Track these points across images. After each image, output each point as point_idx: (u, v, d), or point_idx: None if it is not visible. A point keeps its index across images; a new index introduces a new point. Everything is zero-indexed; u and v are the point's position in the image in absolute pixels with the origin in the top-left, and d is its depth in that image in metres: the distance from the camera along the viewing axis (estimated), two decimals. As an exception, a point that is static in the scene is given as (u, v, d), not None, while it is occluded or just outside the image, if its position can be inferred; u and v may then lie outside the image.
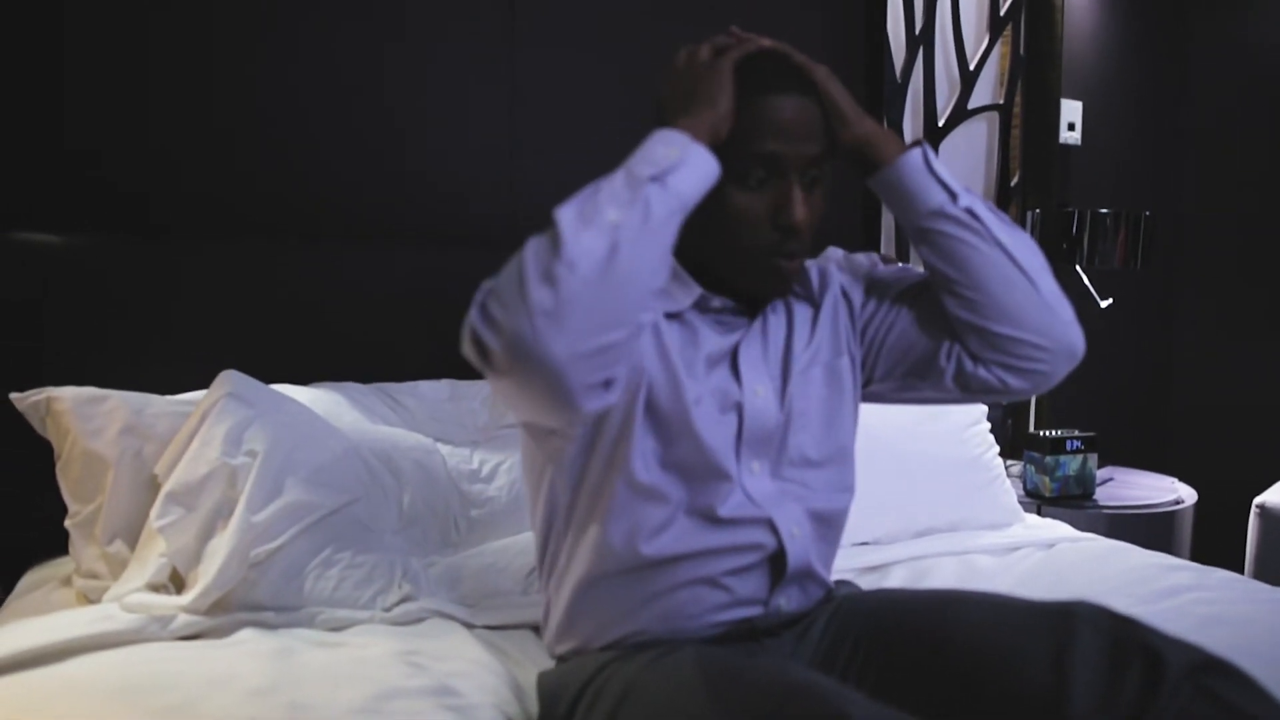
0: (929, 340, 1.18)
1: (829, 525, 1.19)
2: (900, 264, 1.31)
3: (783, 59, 1.11)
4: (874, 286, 1.24)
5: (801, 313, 1.21)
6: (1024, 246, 1.14)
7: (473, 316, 0.93)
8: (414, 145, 1.99)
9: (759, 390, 1.14)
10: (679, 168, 0.97)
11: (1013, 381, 1.15)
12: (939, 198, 1.13)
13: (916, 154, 1.13)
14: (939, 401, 1.22)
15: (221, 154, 1.83)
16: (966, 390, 1.17)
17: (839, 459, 1.20)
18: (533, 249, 0.92)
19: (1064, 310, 1.14)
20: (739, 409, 1.13)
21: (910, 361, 1.20)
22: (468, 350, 0.95)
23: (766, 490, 1.13)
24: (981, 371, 1.15)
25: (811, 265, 1.25)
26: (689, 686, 0.95)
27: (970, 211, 1.12)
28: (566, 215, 0.93)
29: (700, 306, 1.14)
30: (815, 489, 1.17)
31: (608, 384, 0.95)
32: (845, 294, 1.24)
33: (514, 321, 0.89)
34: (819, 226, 1.13)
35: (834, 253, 1.30)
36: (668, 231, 0.96)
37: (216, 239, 1.82)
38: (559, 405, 0.94)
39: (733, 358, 1.14)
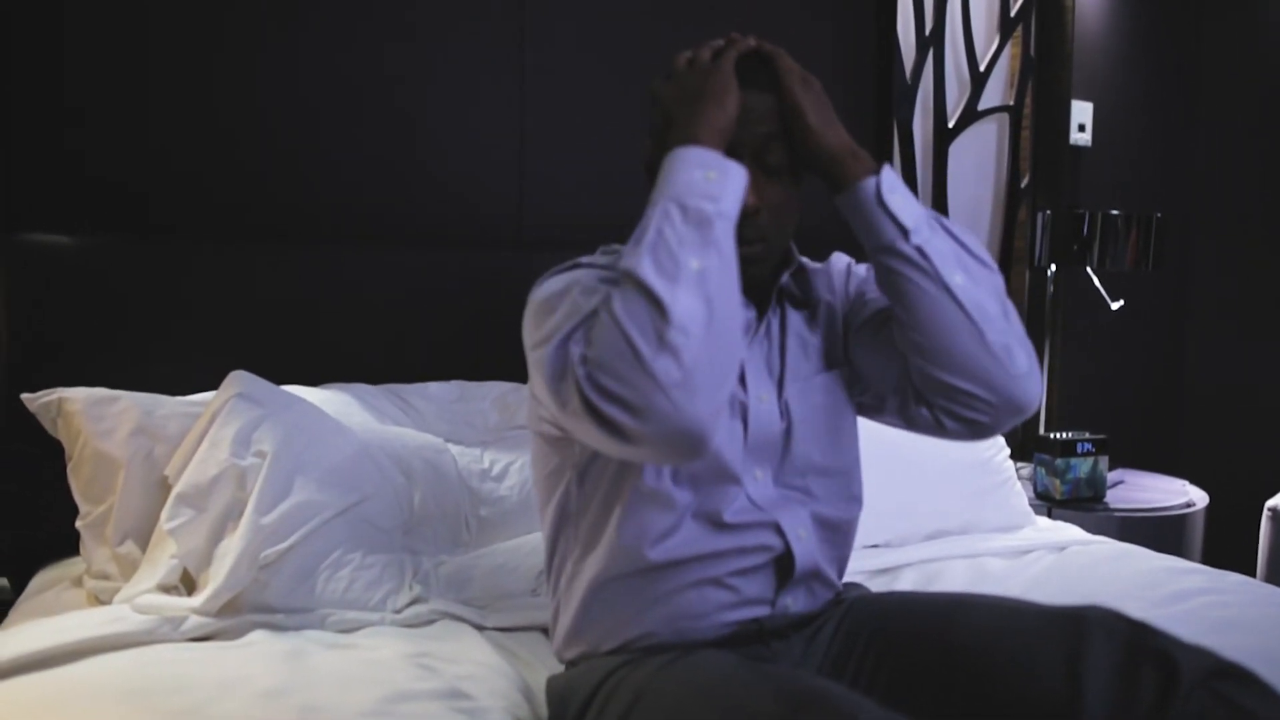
0: (886, 369, 1.15)
1: (836, 531, 1.18)
2: None
3: (764, 58, 1.09)
4: (858, 302, 1.22)
5: (799, 318, 1.20)
6: (979, 291, 1.06)
7: (589, 394, 0.91)
8: (422, 146, 1.99)
9: (763, 397, 1.14)
10: (725, 191, 0.97)
11: (951, 426, 1.10)
12: (889, 233, 1.06)
13: (870, 184, 1.06)
14: (900, 428, 1.18)
15: (230, 154, 1.83)
16: (912, 426, 1.14)
17: (845, 468, 1.20)
18: (627, 314, 0.91)
19: (1014, 363, 1.06)
20: (744, 416, 1.13)
21: (871, 386, 1.19)
22: (587, 425, 0.93)
23: (770, 496, 1.13)
24: (924, 411, 1.10)
25: (816, 269, 1.24)
26: (700, 693, 0.95)
27: (921, 250, 1.05)
28: (647, 271, 0.92)
29: None
30: (820, 497, 1.16)
31: None
32: (843, 302, 1.23)
33: (646, 398, 0.89)
34: (787, 219, 1.11)
35: (838, 260, 1.29)
36: (735, 260, 0.97)
37: (224, 240, 1.82)
38: (696, 456, 0.95)
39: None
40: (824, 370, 1.19)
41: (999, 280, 1.09)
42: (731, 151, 1.03)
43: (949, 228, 1.09)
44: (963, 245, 1.08)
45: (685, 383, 0.89)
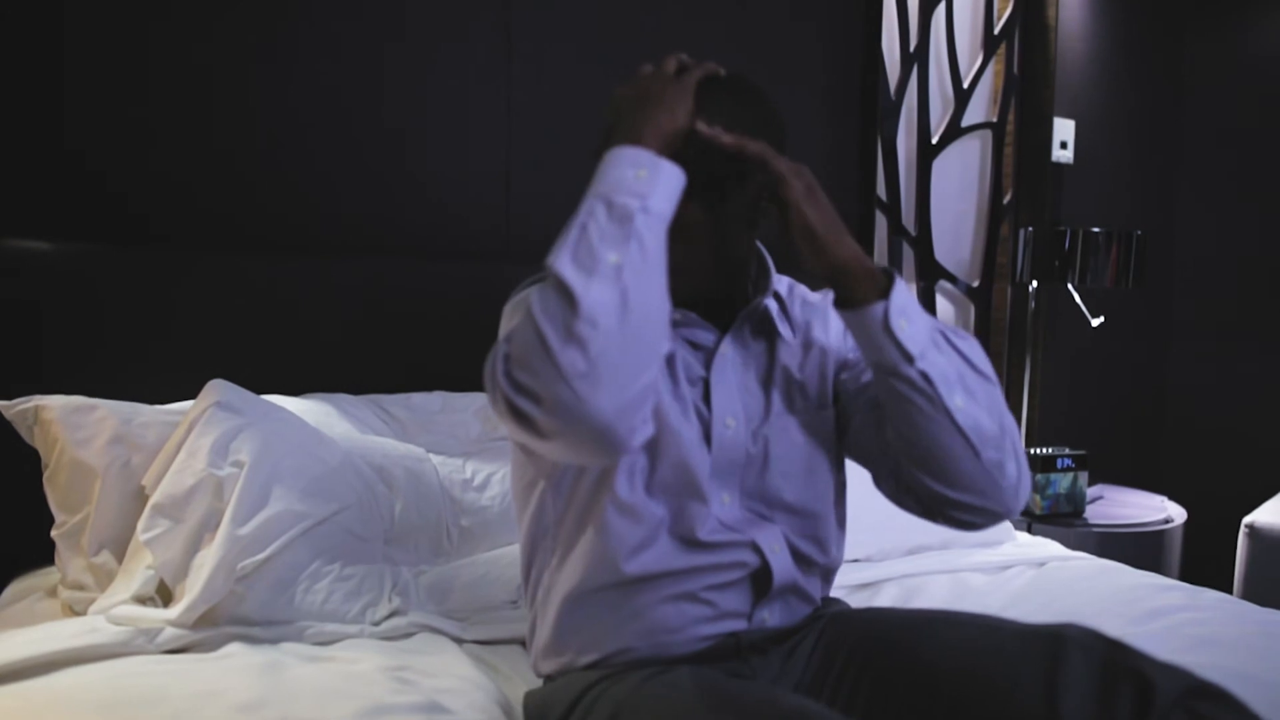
0: (875, 448, 1.14)
1: (807, 562, 1.17)
2: None
3: (729, 85, 1.09)
4: (853, 364, 1.21)
5: (790, 353, 1.20)
6: (978, 410, 1.04)
7: (504, 389, 0.92)
8: (410, 157, 1.99)
9: (729, 422, 1.13)
10: (655, 190, 0.95)
11: (938, 520, 1.11)
12: (893, 356, 1.04)
13: (878, 310, 1.03)
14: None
15: (217, 165, 1.82)
16: (899, 506, 1.14)
17: (815, 511, 1.17)
18: (542, 309, 0.90)
19: (1005, 476, 1.05)
20: (708, 437, 1.12)
21: (859, 454, 1.19)
22: (507, 421, 0.94)
23: (738, 518, 1.13)
24: (910, 500, 1.11)
25: (812, 304, 1.24)
26: (677, 710, 0.94)
27: (925, 375, 1.03)
28: (565, 266, 0.91)
29: None
30: (788, 527, 1.16)
31: (645, 419, 0.95)
32: (838, 353, 1.23)
33: (552, 389, 0.89)
34: (704, 243, 1.09)
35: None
36: (663, 257, 0.95)
37: (208, 249, 1.81)
38: (610, 453, 0.94)
39: (705, 384, 1.14)
40: (811, 410, 1.19)
41: (998, 392, 1.08)
42: None
43: (954, 342, 1.07)
44: (966, 360, 1.06)
45: (590, 374, 0.88)
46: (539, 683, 1.21)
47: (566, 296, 0.90)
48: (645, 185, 0.95)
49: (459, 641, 1.43)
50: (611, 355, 0.89)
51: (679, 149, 1.02)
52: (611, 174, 0.96)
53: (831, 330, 1.22)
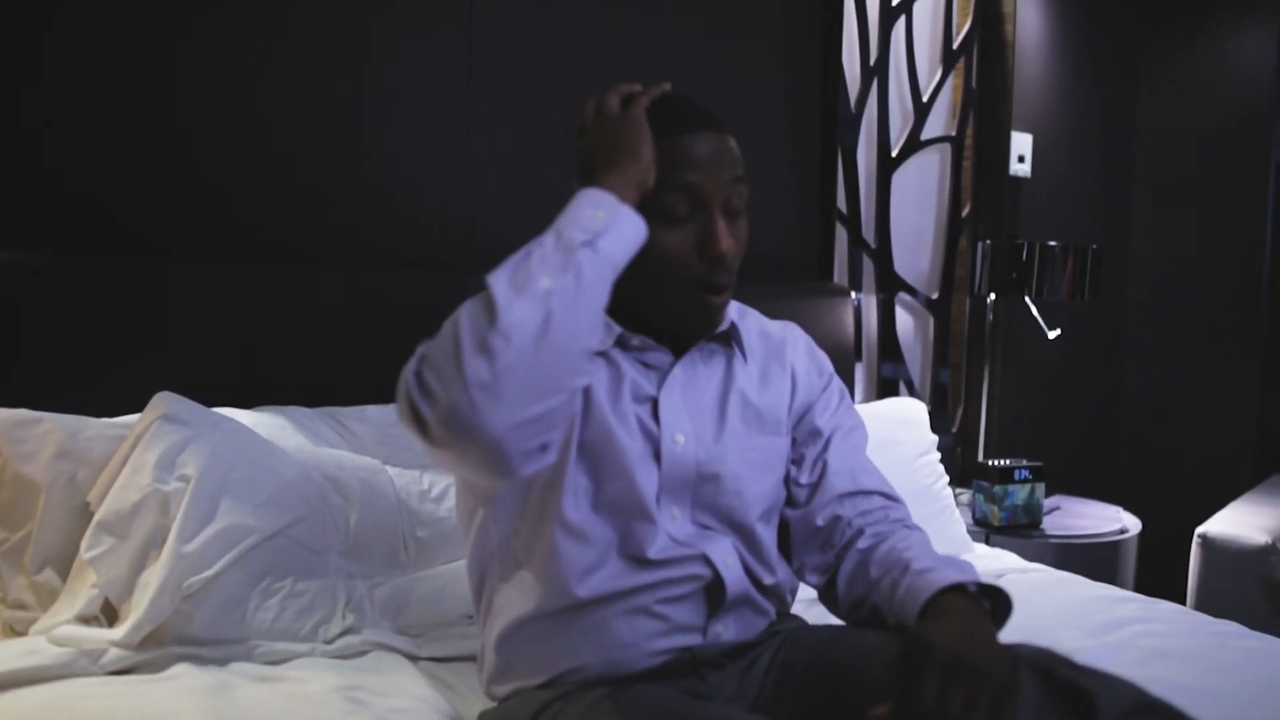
0: (799, 532, 1.21)
1: (757, 577, 1.17)
2: (844, 391, 1.30)
3: (686, 100, 1.11)
4: (808, 427, 1.24)
5: (748, 376, 1.20)
6: None
7: (410, 385, 0.92)
8: (367, 170, 1.96)
9: (679, 438, 1.13)
10: (609, 231, 0.97)
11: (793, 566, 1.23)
12: None
13: None
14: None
15: (175, 175, 1.79)
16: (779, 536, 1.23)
17: (761, 533, 1.18)
18: (467, 317, 0.92)
19: None
20: (657, 454, 1.12)
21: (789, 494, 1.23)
22: (404, 422, 0.94)
23: (689, 533, 1.13)
24: (790, 543, 1.22)
25: (769, 333, 1.25)
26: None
27: None
28: (499, 282, 0.93)
29: (622, 345, 1.14)
30: (737, 542, 1.16)
31: (544, 447, 0.95)
32: (795, 381, 1.24)
33: (450, 395, 0.89)
34: (744, 257, 1.13)
35: (796, 335, 1.30)
36: (600, 295, 0.97)
37: (163, 259, 1.78)
38: (497, 473, 0.94)
39: (654, 401, 1.14)
40: (766, 434, 1.20)
41: None
42: (701, 200, 1.06)
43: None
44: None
45: (491, 386, 0.88)
46: (493, 702, 1.19)
47: (489, 308, 0.91)
48: (600, 225, 0.97)
49: (413, 659, 1.41)
50: (517, 373, 0.89)
51: (648, 187, 1.04)
52: (571, 211, 0.99)
53: (800, 368, 1.25)
